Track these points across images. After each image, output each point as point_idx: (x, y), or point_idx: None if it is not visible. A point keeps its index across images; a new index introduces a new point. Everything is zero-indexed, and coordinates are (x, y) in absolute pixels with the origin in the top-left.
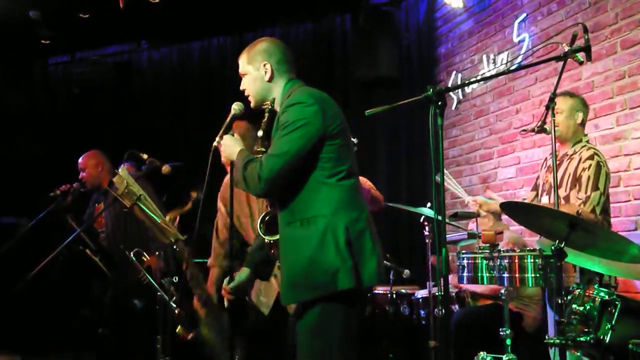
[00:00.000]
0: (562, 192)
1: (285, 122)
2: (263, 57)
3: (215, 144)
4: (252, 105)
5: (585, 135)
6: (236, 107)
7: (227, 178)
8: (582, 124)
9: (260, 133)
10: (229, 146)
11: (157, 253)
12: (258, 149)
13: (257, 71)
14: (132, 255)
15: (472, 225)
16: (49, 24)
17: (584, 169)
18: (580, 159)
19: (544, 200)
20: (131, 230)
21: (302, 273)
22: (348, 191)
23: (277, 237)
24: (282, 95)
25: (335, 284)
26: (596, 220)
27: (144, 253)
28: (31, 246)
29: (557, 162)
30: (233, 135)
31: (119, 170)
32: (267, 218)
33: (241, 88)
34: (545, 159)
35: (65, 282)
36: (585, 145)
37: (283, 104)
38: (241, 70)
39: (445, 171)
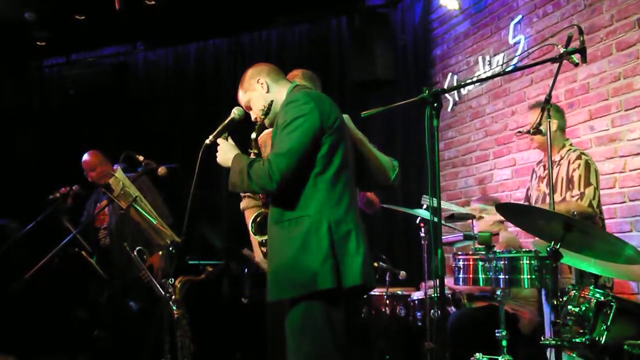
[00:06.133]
0: (557, 197)
1: (284, 122)
2: (255, 77)
3: (207, 141)
4: (266, 124)
5: (567, 139)
6: (236, 111)
7: None
8: (560, 128)
9: (253, 135)
10: (225, 151)
11: (159, 253)
12: (251, 151)
13: (256, 91)
14: (134, 253)
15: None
16: (44, 26)
17: (574, 170)
18: (569, 162)
19: None
20: (136, 228)
21: (285, 272)
22: (337, 189)
23: (267, 237)
24: (285, 98)
25: (316, 284)
26: (594, 213)
27: (146, 252)
28: (26, 248)
29: (546, 170)
30: (227, 140)
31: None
32: (258, 219)
33: (253, 119)
34: (533, 170)
35: (61, 284)
36: (570, 149)
37: (280, 105)
38: (244, 103)
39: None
